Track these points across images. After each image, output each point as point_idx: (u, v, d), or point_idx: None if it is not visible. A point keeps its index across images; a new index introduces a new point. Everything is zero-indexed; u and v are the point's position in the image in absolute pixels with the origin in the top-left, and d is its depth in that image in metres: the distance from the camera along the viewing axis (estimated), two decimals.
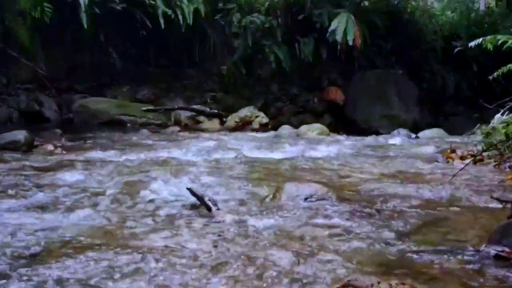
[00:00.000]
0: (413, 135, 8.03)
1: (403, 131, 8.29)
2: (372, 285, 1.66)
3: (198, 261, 2.05)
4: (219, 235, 2.40)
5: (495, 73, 4.54)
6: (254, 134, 7.58)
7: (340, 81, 10.22)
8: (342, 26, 9.21)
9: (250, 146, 5.84)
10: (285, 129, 8.17)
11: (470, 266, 2.02)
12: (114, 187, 3.41)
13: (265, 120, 8.62)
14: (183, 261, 2.05)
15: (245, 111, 8.63)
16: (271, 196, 3.17)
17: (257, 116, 8.59)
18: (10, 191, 3.21)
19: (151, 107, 8.66)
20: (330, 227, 2.57)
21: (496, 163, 4.48)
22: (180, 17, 8.80)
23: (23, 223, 2.54)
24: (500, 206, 2.91)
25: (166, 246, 2.23)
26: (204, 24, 9.47)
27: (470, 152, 4.86)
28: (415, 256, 2.15)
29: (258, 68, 9.88)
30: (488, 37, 4.71)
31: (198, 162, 4.54)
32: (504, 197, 3.06)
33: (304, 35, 9.80)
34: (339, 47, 9.34)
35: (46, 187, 3.40)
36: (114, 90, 9.08)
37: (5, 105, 7.82)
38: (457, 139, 6.56)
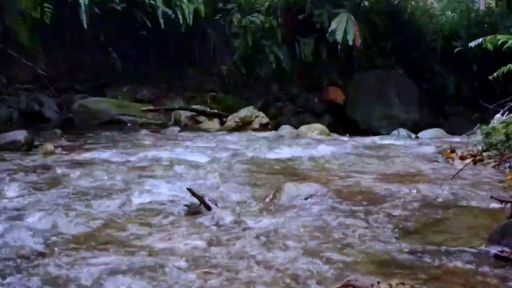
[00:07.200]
0: (413, 135, 8.03)
1: (403, 131, 8.29)
2: (372, 285, 1.66)
3: (198, 261, 2.05)
4: (218, 235, 2.40)
5: (495, 73, 4.54)
6: (254, 134, 7.57)
7: (340, 81, 10.22)
8: (342, 26, 9.22)
9: (250, 146, 5.83)
10: (285, 129, 8.17)
11: (470, 266, 2.02)
12: (113, 187, 3.41)
13: (265, 120, 8.61)
14: (183, 260, 2.04)
15: (245, 111, 8.62)
16: (271, 196, 3.17)
17: (257, 116, 8.58)
18: (8, 190, 3.21)
19: (151, 107, 8.65)
20: (330, 227, 2.57)
21: (496, 163, 4.47)
22: (180, 17, 8.80)
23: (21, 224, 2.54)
24: (500, 206, 2.91)
25: (165, 246, 2.23)
26: (204, 24, 9.47)
27: (470, 152, 4.86)
28: (415, 256, 2.15)
29: (258, 68, 9.88)
30: (488, 37, 4.71)
31: (198, 162, 4.54)
32: (504, 197, 3.06)
33: (304, 35, 9.81)
34: (339, 47, 9.34)
35: (46, 187, 3.40)
36: (114, 90, 9.07)
37: (5, 105, 7.81)
38: (457, 139, 6.55)
